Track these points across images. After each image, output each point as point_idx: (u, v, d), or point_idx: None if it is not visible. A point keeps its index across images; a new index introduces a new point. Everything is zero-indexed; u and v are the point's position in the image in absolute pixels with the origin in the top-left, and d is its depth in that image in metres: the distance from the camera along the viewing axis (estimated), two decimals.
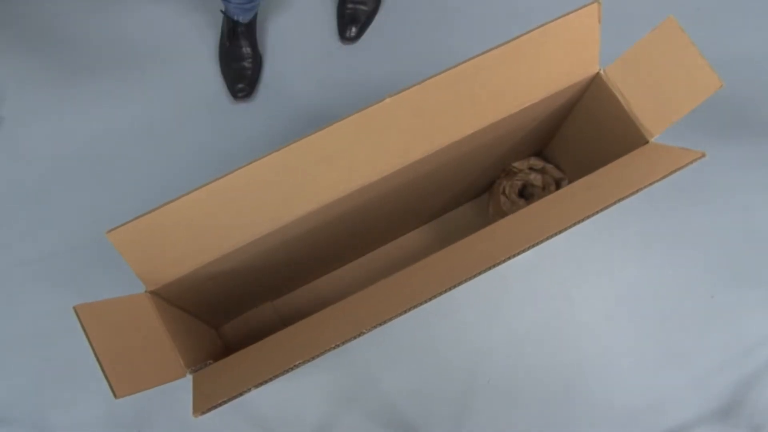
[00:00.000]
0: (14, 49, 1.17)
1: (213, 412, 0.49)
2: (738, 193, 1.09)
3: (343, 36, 1.16)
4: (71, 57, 1.16)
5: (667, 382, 1.00)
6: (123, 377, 0.51)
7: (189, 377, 0.58)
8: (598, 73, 0.69)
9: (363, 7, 1.15)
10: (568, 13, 0.64)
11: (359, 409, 0.98)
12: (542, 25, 0.64)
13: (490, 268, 0.55)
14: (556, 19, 0.64)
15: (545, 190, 0.95)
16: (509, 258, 0.55)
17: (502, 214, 0.94)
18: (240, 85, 1.11)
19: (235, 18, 1.07)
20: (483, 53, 0.63)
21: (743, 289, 1.04)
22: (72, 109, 1.13)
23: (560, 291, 1.04)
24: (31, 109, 1.13)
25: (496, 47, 0.63)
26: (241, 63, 1.12)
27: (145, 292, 0.60)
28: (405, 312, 0.52)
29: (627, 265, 1.06)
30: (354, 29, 1.15)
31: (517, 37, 0.64)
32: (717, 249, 1.06)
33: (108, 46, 1.17)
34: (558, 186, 0.95)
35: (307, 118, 1.13)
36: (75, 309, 0.51)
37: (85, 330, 0.51)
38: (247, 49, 1.12)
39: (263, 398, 0.98)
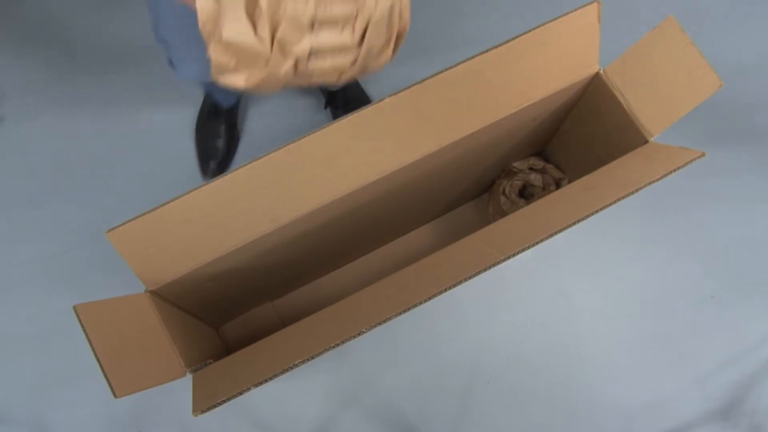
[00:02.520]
0: (15, 49, 1.17)
1: (213, 411, 0.49)
2: (737, 193, 1.09)
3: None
4: (72, 57, 1.16)
5: (667, 382, 1.00)
6: (123, 377, 0.51)
7: (189, 377, 0.58)
8: (598, 73, 0.69)
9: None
10: (568, 13, 0.64)
11: (359, 409, 0.98)
12: (542, 25, 0.64)
13: (489, 268, 0.55)
14: (556, 19, 0.64)
15: (545, 190, 0.95)
16: (509, 257, 0.55)
17: (502, 214, 0.94)
18: (212, 166, 1.07)
19: (220, 103, 1.03)
20: (483, 53, 0.63)
21: (743, 289, 1.04)
22: (72, 109, 1.13)
23: (560, 290, 1.03)
24: (32, 109, 1.13)
25: (496, 47, 0.63)
26: (216, 141, 1.06)
27: (145, 291, 0.60)
28: (404, 311, 0.52)
29: (627, 264, 1.05)
30: None
31: (517, 36, 0.63)
32: (717, 249, 1.06)
33: (108, 46, 1.17)
34: (558, 186, 0.95)
35: (307, 119, 1.13)
36: (75, 309, 0.51)
37: (85, 330, 0.51)
38: (224, 128, 1.06)
39: (263, 398, 0.98)
